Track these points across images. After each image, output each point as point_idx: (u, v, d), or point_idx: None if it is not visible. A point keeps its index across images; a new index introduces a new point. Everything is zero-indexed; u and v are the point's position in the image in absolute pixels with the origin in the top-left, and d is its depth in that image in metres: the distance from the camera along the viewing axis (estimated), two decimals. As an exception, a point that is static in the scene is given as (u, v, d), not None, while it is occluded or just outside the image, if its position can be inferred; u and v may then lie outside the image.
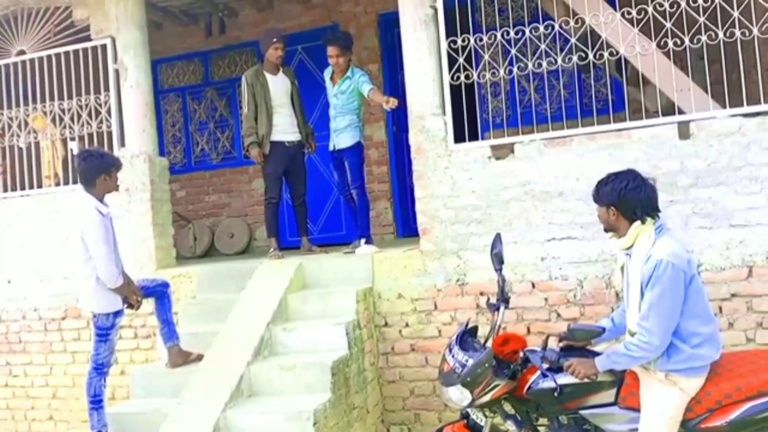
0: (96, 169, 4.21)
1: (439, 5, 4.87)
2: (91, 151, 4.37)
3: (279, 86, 5.75)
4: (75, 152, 6.36)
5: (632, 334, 2.99)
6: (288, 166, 5.76)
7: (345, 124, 5.55)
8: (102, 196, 4.29)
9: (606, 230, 3.21)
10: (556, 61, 4.68)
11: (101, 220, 4.20)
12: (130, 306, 4.37)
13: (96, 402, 4.29)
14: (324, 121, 6.22)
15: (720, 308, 4.22)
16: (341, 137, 5.57)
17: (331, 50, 5.49)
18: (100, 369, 4.30)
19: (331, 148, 5.69)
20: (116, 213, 5.64)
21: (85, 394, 4.34)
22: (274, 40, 5.70)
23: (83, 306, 4.53)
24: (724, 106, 4.42)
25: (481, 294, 4.64)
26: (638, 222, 3.02)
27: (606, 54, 4.58)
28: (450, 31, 4.84)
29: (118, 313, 4.32)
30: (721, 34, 4.32)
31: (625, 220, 3.06)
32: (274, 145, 5.68)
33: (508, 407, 3.37)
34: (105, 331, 4.28)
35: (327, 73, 5.71)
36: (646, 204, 3.03)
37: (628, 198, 3.02)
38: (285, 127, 5.72)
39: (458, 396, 3.24)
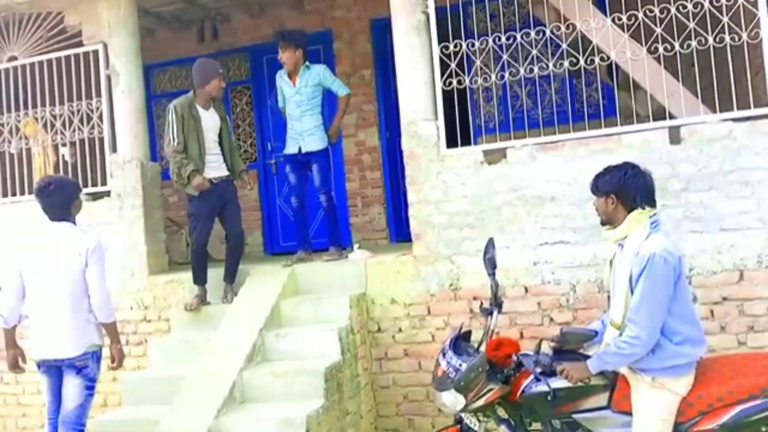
0: (70, 197, 3.92)
1: (431, 11, 4.88)
2: (52, 182, 3.93)
3: (210, 122, 5.23)
4: (67, 158, 6.35)
5: (616, 326, 3.01)
6: (219, 204, 5.23)
7: (313, 124, 5.46)
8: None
9: (602, 223, 3.21)
10: (547, 66, 4.70)
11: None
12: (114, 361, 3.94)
13: None
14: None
15: (712, 312, 4.24)
16: (310, 139, 5.44)
17: (279, 45, 5.43)
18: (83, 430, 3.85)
19: (294, 150, 5.49)
20: (107, 218, 5.65)
21: None
22: (220, 71, 5.23)
23: (73, 352, 3.77)
24: (715, 111, 4.45)
25: (475, 299, 4.64)
26: (636, 212, 3.03)
27: (597, 59, 4.61)
28: (442, 37, 4.86)
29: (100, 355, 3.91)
30: (711, 40, 4.35)
31: (623, 210, 3.06)
32: None
33: (501, 412, 3.37)
34: (94, 381, 3.87)
35: (283, 75, 5.53)
36: (645, 191, 3.05)
37: (627, 185, 3.04)
38: (213, 165, 5.20)
39: (452, 401, 3.24)
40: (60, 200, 3.87)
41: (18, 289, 3.89)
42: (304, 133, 5.46)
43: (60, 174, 4.33)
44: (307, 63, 5.50)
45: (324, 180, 5.49)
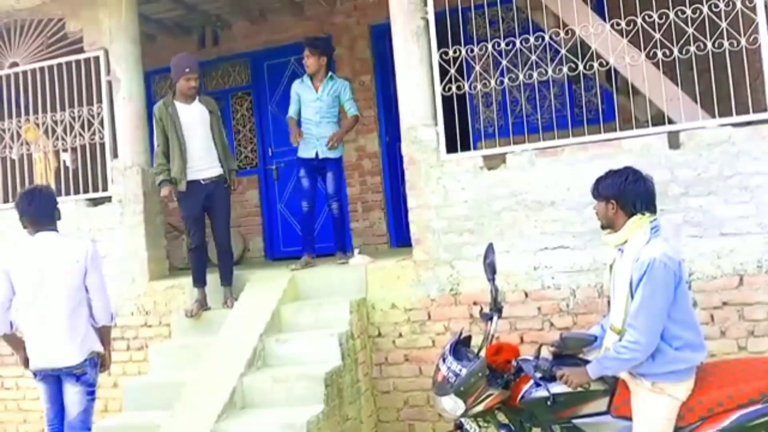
0: (54, 203, 3.88)
1: (431, 17, 4.90)
2: (36, 187, 3.98)
3: (193, 117, 5.13)
4: (68, 164, 6.37)
5: (616, 331, 3.01)
6: (206, 205, 5.17)
7: (332, 130, 5.51)
8: None
9: (603, 227, 3.21)
10: (546, 71, 4.71)
11: None
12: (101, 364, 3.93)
13: None
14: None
15: (711, 317, 4.24)
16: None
17: (305, 51, 5.55)
18: None
19: (311, 155, 5.53)
20: (108, 224, 5.67)
21: None
22: (186, 70, 5.10)
23: (73, 360, 3.74)
24: (714, 116, 4.46)
25: (475, 304, 4.64)
26: (636, 217, 3.04)
27: (596, 65, 4.62)
28: (441, 43, 4.88)
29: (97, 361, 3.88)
30: (709, 45, 4.36)
31: (624, 214, 3.07)
32: (189, 185, 5.09)
33: (501, 417, 3.37)
34: (94, 386, 3.85)
35: (306, 81, 5.61)
36: (645, 197, 3.06)
37: (628, 190, 3.05)
38: (200, 164, 5.11)
39: (452, 406, 3.24)
40: (46, 207, 3.83)
41: (4, 300, 3.77)
42: (323, 139, 5.51)
43: (32, 188, 4.21)
44: (331, 74, 5.61)
45: (337, 188, 5.57)
